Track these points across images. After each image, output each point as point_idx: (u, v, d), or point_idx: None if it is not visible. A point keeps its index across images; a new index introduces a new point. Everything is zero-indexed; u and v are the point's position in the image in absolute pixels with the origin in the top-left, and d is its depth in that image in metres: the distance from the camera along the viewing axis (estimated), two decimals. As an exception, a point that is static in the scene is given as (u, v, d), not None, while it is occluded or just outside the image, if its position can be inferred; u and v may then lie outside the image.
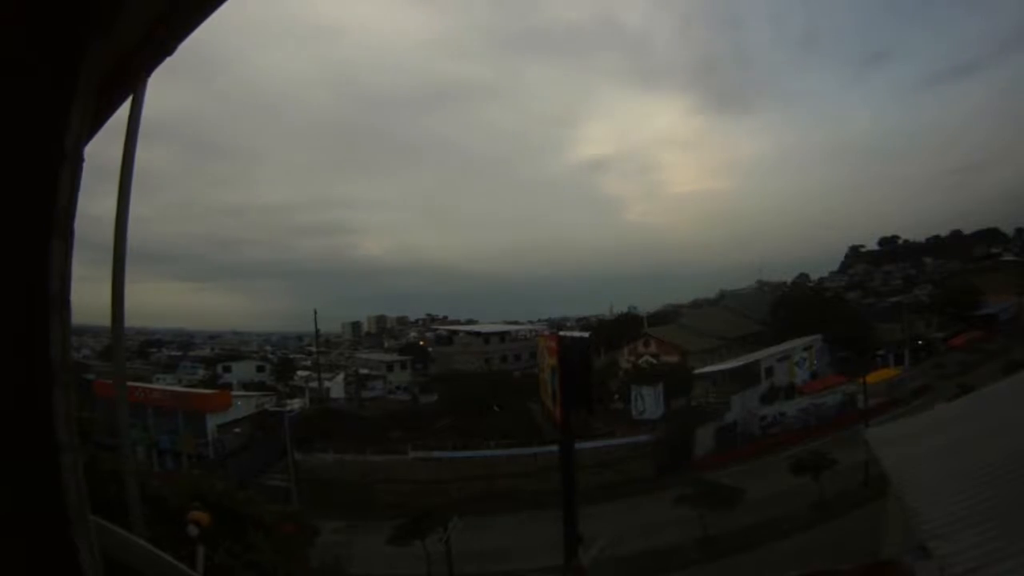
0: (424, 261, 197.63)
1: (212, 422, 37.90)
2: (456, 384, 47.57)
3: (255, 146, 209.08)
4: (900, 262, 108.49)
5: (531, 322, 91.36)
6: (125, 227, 2.25)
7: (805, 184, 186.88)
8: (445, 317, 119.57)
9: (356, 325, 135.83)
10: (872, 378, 36.93)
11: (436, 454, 33.53)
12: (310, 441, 34.91)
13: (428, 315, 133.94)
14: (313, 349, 69.88)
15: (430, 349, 76.19)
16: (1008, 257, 78.58)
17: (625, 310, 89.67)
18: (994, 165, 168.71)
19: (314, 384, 53.66)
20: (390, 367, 65.86)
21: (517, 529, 25.84)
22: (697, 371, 44.82)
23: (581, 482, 22.21)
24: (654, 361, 49.98)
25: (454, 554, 21.77)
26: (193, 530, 6.95)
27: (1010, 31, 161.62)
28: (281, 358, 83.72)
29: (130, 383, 29.95)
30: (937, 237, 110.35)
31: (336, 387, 56.23)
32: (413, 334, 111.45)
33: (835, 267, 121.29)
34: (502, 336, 68.03)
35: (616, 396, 43.52)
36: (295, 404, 47.88)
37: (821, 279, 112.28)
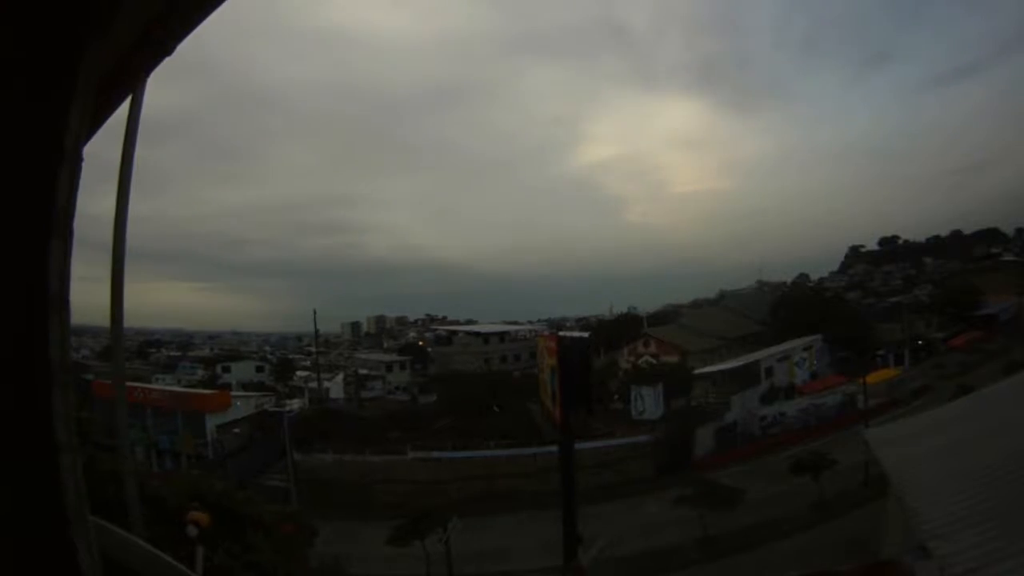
0: (425, 260, 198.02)
1: (211, 422, 37.86)
2: (455, 384, 47.55)
3: (256, 146, 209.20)
4: (900, 262, 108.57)
5: (531, 322, 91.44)
6: (124, 227, 2.25)
7: (805, 184, 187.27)
8: (444, 317, 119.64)
9: (355, 325, 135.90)
10: (872, 378, 36.92)
11: (435, 454, 33.51)
12: (309, 441, 34.88)
13: (427, 315, 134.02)
14: (312, 349, 69.87)
15: (429, 349, 76.18)
16: (1008, 257, 78.62)
17: (625, 310, 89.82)
18: (994, 165, 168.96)
19: (313, 384, 53.65)
20: (389, 367, 65.84)
21: (517, 529, 25.84)
22: (697, 371, 44.81)
23: (581, 482, 22.20)
24: (654, 361, 49.99)
25: (453, 555, 21.76)
26: (192, 530, 6.95)
27: (1011, 32, 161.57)
28: (280, 358, 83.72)
29: (129, 383, 29.93)
30: (937, 237, 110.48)
31: (335, 387, 56.20)
32: (412, 334, 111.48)
33: (835, 267, 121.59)
34: (501, 336, 68.02)
35: (616, 396, 43.51)
36: (294, 404, 47.87)
37: (821, 279, 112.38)
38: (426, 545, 21.46)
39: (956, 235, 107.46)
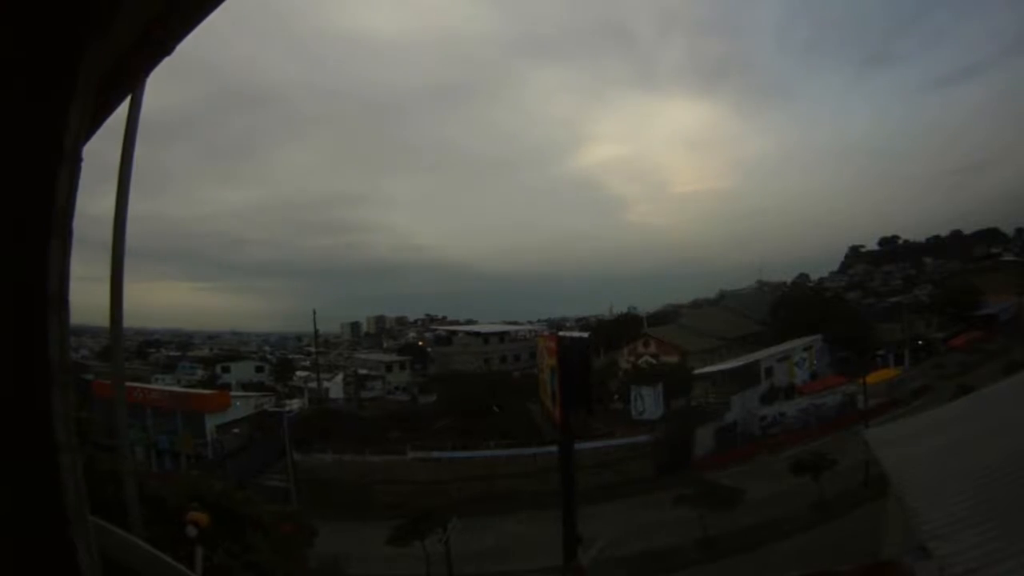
0: (426, 260, 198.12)
1: (211, 422, 37.86)
2: (455, 384, 47.53)
3: (256, 146, 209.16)
4: (900, 262, 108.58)
5: (530, 322, 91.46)
6: (124, 227, 2.25)
7: (805, 184, 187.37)
8: (444, 317, 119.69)
9: (355, 325, 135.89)
10: (872, 378, 36.93)
11: (435, 454, 33.51)
12: (309, 441, 34.87)
13: (427, 315, 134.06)
14: (312, 349, 69.89)
15: (429, 349, 76.20)
16: (1008, 257, 78.62)
17: (625, 310, 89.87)
18: (994, 165, 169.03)
19: (313, 384, 53.65)
20: (389, 367, 65.86)
21: (516, 530, 25.83)
22: (697, 371, 44.81)
23: (580, 482, 22.20)
24: (654, 361, 50.00)
25: (453, 555, 21.76)
26: (192, 531, 6.95)
27: (1011, 33, 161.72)
28: (280, 358, 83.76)
29: (128, 383, 29.91)
30: (937, 237, 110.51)
31: (335, 387, 56.21)
32: (412, 334, 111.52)
33: (835, 267, 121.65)
34: (501, 336, 68.04)
35: (616, 396, 43.52)
36: (294, 404, 47.90)
37: (821, 279, 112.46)
38: (426, 545, 21.46)
39: (956, 235, 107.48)
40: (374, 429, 38.73)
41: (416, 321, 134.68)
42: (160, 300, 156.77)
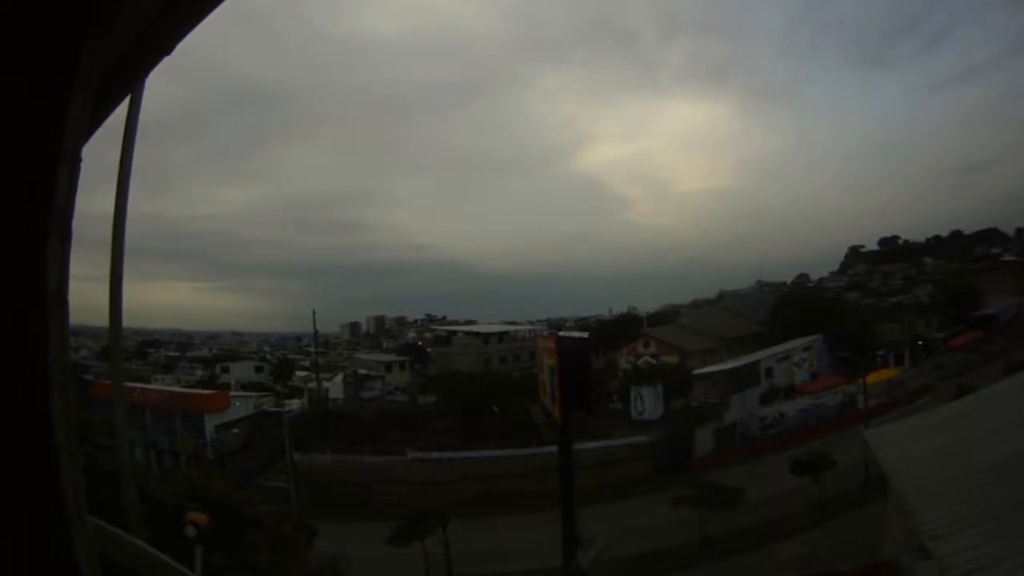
0: (425, 260, 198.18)
1: (210, 423, 37.80)
2: (455, 385, 47.50)
3: (256, 146, 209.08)
4: (900, 262, 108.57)
5: (530, 322, 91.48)
6: (123, 226, 2.25)
7: (805, 184, 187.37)
8: (444, 317, 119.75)
9: (355, 325, 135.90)
10: (872, 378, 36.93)
11: (435, 455, 33.50)
12: (308, 442, 34.87)
13: (427, 315, 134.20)
14: (312, 349, 69.96)
15: (429, 350, 76.20)
16: (1008, 257, 78.55)
17: (625, 310, 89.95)
18: (994, 165, 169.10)
19: (312, 385, 53.64)
20: (389, 368, 65.87)
21: (516, 530, 25.82)
22: (697, 371, 44.81)
23: (580, 483, 22.18)
24: (653, 361, 49.99)
25: (453, 555, 21.74)
26: (191, 531, 6.95)
27: (1011, 35, 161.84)
28: (280, 359, 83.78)
29: (128, 384, 29.89)
30: (937, 237, 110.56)
31: (335, 388, 56.18)
32: (412, 334, 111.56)
33: (835, 267, 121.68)
34: (501, 337, 68.04)
35: (615, 397, 43.51)
36: (293, 405, 47.89)
37: (821, 279, 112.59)
38: (425, 546, 21.45)
39: (956, 235, 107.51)
40: (374, 429, 38.71)
41: (416, 321, 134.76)
42: (160, 300, 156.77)
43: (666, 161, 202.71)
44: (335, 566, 19.90)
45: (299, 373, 66.64)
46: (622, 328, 66.25)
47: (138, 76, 2.02)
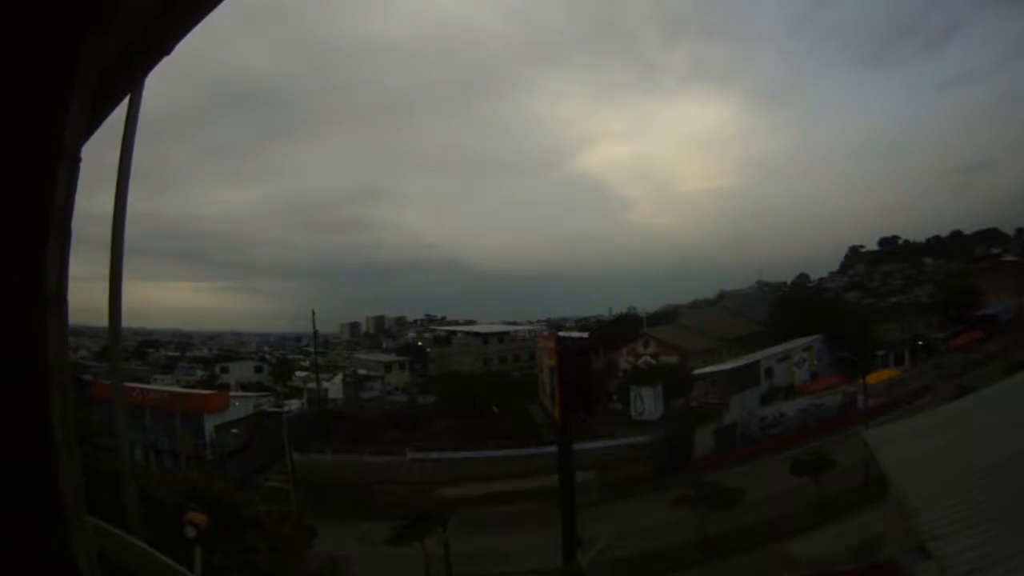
0: (425, 260, 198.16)
1: (210, 423, 37.82)
2: (454, 385, 47.54)
3: (256, 146, 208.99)
4: (900, 262, 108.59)
5: (530, 323, 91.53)
6: (123, 226, 2.25)
7: (805, 184, 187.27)
8: (443, 317, 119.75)
9: (354, 326, 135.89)
10: (872, 378, 36.96)
11: (435, 455, 33.51)
12: (308, 442, 34.87)
13: (426, 315, 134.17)
14: (311, 350, 70.03)
15: (428, 350, 76.22)
16: (1008, 257, 78.60)
17: (625, 310, 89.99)
18: (996, 165, 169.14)
19: (312, 385, 53.66)
20: (388, 368, 65.90)
21: (515, 531, 25.80)
22: (697, 372, 44.83)
23: (579, 483, 22.17)
24: (653, 361, 50.02)
25: (452, 555, 21.75)
26: (191, 531, 6.94)
27: (1011, 37, 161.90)
28: (279, 359, 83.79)
29: (127, 384, 29.88)
30: (937, 237, 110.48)
31: (334, 388, 56.20)
32: (411, 334, 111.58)
33: (835, 267, 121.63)
34: (501, 337, 68.07)
35: (615, 397, 43.52)
36: (293, 405, 47.88)
37: (821, 279, 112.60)
38: (425, 546, 21.46)
39: (956, 235, 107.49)
40: (373, 429, 38.75)
41: (415, 321, 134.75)
42: (159, 300, 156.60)
43: (667, 161, 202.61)
44: (335, 566, 19.92)
45: (299, 373, 66.66)
46: (622, 328, 66.30)
47: (138, 76, 2.02)
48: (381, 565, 21.77)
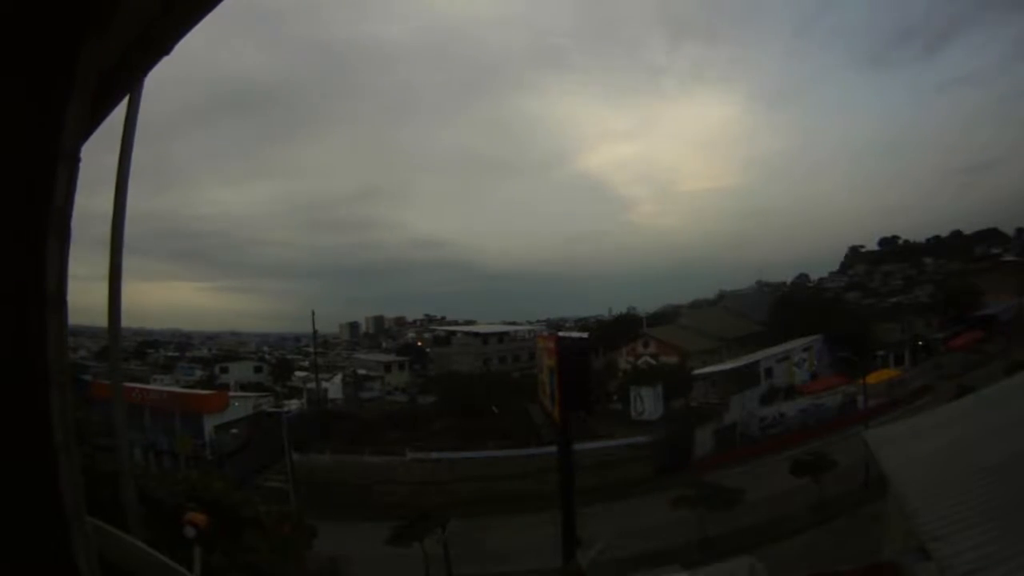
0: (425, 260, 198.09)
1: (209, 423, 37.80)
2: (454, 385, 47.53)
3: (256, 146, 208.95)
4: (900, 262, 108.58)
5: (530, 323, 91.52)
6: (122, 226, 2.25)
7: (805, 184, 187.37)
8: (443, 317, 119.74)
9: (353, 326, 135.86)
10: (872, 379, 36.93)
11: (434, 455, 33.49)
12: (307, 442, 34.85)
13: (426, 315, 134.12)
14: (311, 350, 70.01)
15: (428, 350, 76.19)
16: (1008, 257, 78.59)
17: (624, 311, 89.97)
18: (998, 166, 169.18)
19: (312, 385, 53.63)
20: (388, 368, 65.86)
21: (515, 531, 25.80)
22: (696, 372, 44.81)
23: (579, 483, 22.15)
24: (653, 362, 50.01)
25: (452, 555, 21.73)
26: (190, 531, 6.94)
27: (1012, 38, 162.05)
28: (279, 359, 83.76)
29: (127, 384, 29.89)
30: (937, 237, 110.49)
31: (334, 388, 56.18)
32: (411, 334, 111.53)
33: (835, 267, 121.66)
34: (500, 337, 68.05)
35: (615, 397, 43.51)
36: (292, 405, 47.86)
37: (821, 279, 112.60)
38: (424, 546, 21.45)
39: (956, 235, 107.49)
40: (373, 430, 38.69)
41: (415, 321, 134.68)
42: (159, 300, 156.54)
43: (668, 161, 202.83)
44: (335, 566, 19.90)
45: (298, 373, 66.63)
46: (622, 328, 66.29)
47: (137, 76, 2.02)
48: (381, 565, 21.76)
